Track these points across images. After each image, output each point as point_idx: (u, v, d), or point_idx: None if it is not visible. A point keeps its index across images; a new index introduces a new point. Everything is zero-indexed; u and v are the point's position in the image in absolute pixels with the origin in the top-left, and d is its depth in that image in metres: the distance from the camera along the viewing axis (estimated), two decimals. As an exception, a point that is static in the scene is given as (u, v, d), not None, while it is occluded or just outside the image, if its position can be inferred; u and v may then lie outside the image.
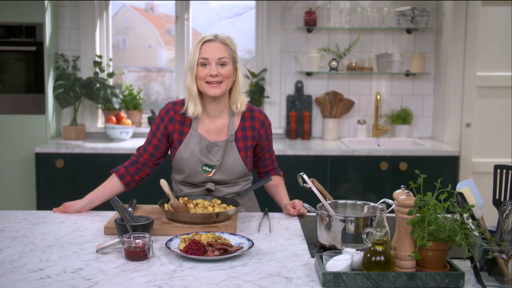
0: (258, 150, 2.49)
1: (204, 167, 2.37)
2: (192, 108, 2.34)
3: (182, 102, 2.42)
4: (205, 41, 2.31)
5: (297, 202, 2.40)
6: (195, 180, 2.40)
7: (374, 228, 1.66)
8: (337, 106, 4.56)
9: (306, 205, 2.11)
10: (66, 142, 4.25)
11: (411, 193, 1.69)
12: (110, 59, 4.64)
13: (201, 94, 2.36)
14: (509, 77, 4.26)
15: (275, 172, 2.57)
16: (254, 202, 2.58)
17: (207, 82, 2.30)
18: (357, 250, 1.72)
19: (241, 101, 2.39)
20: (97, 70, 4.47)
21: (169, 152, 2.50)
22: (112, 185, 2.41)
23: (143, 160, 2.44)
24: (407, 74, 4.56)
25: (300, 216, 2.38)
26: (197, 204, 2.27)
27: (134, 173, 2.43)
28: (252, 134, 2.42)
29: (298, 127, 4.57)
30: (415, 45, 4.61)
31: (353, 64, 4.53)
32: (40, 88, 4.22)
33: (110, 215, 2.32)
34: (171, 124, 2.40)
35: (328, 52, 4.57)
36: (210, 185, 2.38)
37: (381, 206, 1.70)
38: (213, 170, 2.37)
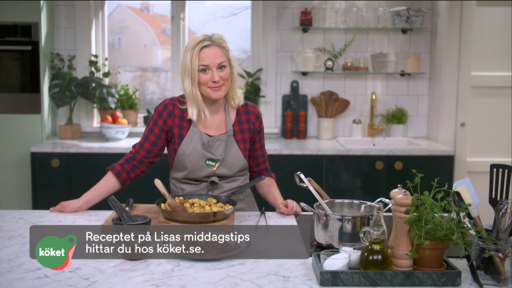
0: (250, 144, 2.51)
1: (207, 161, 2.39)
2: (196, 113, 2.36)
3: (178, 98, 2.44)
4: (203, 47, 2.32)
5: (290, 201, 2.41)
6: (198, 176, 2.41)
7: (371, 227, 1.67)
8: (333, 105, 4.57)
9: (303, 204, 2.11)
10: (61, 142, 4.24)
11: (408, 192, 1.70)
12: (106, 59, 4.64)
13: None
14: (504, 77, 4.28)
15: (267, 173, 2.57)
16: (252, 197, 2.59)
17: (209, 87, 2.33)
18: (354, 249, 1.73)
19: (238, 96, 2.46)
20: (93, 69, 4.46)
21: (165, 151, 2.50)
22: (108, 183, 2.41)
23: (140, 157, 2.44)
24: (402, 74, 4.58)
25: (295, 215, 2.39)
26: (193, 204, 2.28)
27: (130, 171, 2.43)
28: (248, 127, 2.47)
29: (294, 126, 4.58)
30: (410, 45, 4.62)
31: (349, 64, 4.54)
32: (35, 88, 4.21)
33: (107, 215, 2.32)
34: (170, 119, 2.41)
35: (324, 52, 4.58)
36: (214, 178, 2.41)
37: (378, 205, 1.71)
38: (217, 164, 2.39)
